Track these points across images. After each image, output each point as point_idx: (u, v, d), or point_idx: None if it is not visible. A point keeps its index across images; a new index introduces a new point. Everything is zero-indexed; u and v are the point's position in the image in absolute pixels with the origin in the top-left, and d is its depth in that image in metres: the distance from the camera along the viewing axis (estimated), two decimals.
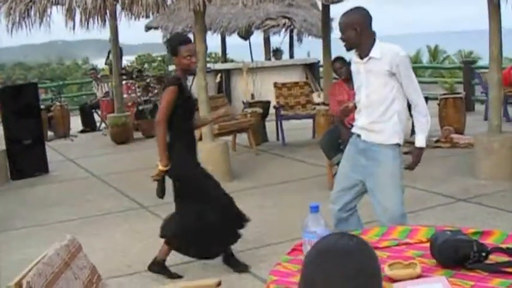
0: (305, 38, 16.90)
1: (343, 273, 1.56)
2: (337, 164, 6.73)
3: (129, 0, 7.92)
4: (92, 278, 3.02)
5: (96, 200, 8.20)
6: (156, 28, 16.93)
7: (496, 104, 7.86)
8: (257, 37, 17.47)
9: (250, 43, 17.93)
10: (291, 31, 16.91)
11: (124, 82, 14.06)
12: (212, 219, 5.10)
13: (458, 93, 12.30)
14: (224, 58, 19.06)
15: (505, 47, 7.92)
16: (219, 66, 16.64)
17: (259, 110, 11.36)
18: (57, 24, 9.12)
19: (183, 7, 8.40)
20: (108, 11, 8.28)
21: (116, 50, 12.78)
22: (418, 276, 2.65)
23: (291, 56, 18.23)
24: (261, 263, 5.35)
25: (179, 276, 5.23)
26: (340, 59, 7.92)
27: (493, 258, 2.75)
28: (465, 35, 73.13)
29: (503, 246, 2.85)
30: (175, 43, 5.08)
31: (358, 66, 4.49)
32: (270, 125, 11.70)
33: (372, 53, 4.31)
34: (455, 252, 2.71)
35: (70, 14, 8.30)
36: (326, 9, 11.51)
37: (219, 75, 15.63)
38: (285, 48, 18.23)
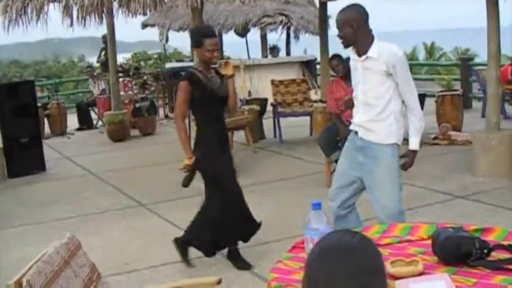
0: (302, 35, 16.91)
1: (347, 270, 1.55)
2: (335, 161, 6.74)
3: None
4: (91, 276, 3.01)
5: (94, 198, 8.18)
6: (152, 25, 16.92)
7: (494, 101, 7.86)
8: (254, 34, 17.47)
9: (247, 40, 17.92)
10: (288, 28, 16.91)
11: (121, 80, 14.04)
12: (215, 215, 5.16)
13: (456, 90, 12.29)
14: (221, 55, 19.01)
15: (502, 45, 7.91)
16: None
17: (256, 107, 11.35)
18: (53, 22, 9.11)
19: (181, 4, 8.36)
20: (105, 8, 8.26)
21: (113, 47, 12.75)
22: (420, 274, 2.64)
23: (288, 53, 18.22)
24: (259, 260, 5.35)
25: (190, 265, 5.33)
26: (337, 56, 7.91)
27: (495, 255, 2.74)
28: (461, 32, 73.22)
29: (505, 243, 2.84)
30: (200, 35, 5.03)
31: (355, 63, 4.48)
32: (267, 123, 11.69)
33: (370, 53, 4.31)
34: (457, 249, 2.70)
35: (67, 11, 8.28)
36: (323, 6, 11.49)
37: None
38: (282, 45, 18.22)
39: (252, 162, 9.57)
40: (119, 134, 12.64)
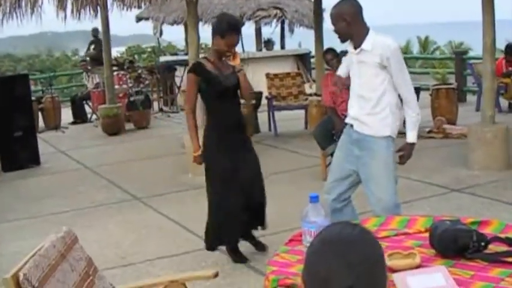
0: (296, 29, 16.87)
1: (348, 262, 1.55)
2: (331, 154, 6.73)
3: None
4: (88, 269, 3.00)
5: (89, 192, 8.16)
6: (146, 19, 16.87)
7: (489, 95, 7.87)
8: (248, 28, 17.41)
9: (241, 34, 17.87)
10: (283, 22, 16.87)
11: (115, 73, 14.00)
12: (213, 208, 5.15)
13: (450, 84, 12.30)
14: None
15: (496, 38, 7.91)
16: None
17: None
18: (47, 15, 9.07)
19: None
20: (99, 1, 8.23)
21: (107, 41, 12.70)
22: (418, 266, 2.65)
23: (282, 46, 18.18)
24: (256, 254, 5.35)
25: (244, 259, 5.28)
26: (331, 50, 7.90)
27: (492, 247, 2.75)
28: (454, 26, 73.27)
29: (502, 235, 2.85)
30: (227, 28, 4.96)
31: (351, 56, 4.48)
32: (262, 116, 11.68)
33: (364, 45, 4.30)
34: (454, 242, 2.71)
35: (61, 4, 8.24)
36: None
37: None
38: (277, 39, 18.19)
39: None
40: (113, 128, 12.61)
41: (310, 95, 11.44)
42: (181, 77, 15.07)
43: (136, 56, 21.84)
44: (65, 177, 9.28)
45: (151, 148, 10.88)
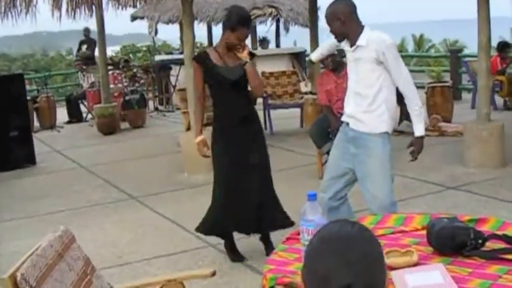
0: (292, 27, 16.90)
1: (347, 260, 1.55)
2: (327, 152, 6.73)
3: None
4: (86, 269, 3.00)
5: (85, 191, 8.15)
6: (141, 18, 16.86)
7: (484, 93, 7.88)
8: None
9: (251, 26, 17.87)
10: (278, 20, 16.90)
11: (110, 72, 13.97)
12: (216, 197, 5.17)
13: (446, 81, 12.33)
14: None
15: (492, 36, 7.92)
16: None
17: None
18: (42, 15, 9.06)
19: None
20: (95, 1, 8.21)
21: (102, 40, 12.68)
22: (415, 264, 2.65)
23: (278, 45, 18.19)
24: (252, 252, 5.34)
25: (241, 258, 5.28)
26: None
27: (490, 245, 2.75)
28: (449, 24, 73.36)
29: (499, 233, 2.86)
30: (238, 22, 4.90)
31: (348, 54, 4.49)
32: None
33: (359, 41, 4.32)
34: (452, 240, 2.71)
35: (56, 3, 8.23)
36: None
37: None
38: (272, 37, 18.19)
39: None
40: (108, 127, 12.59)
41: (306, 93, 11.43)
42: (177, 76, 15.05)
43: (131, 55, 21.79)
44: (61, 176, 9.27)
45: (147, 147, 10.86)
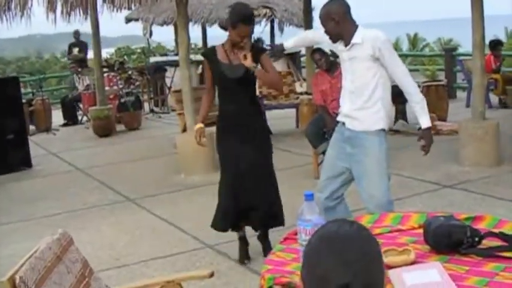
0: (286, 28, 16.86)
1: (345, 259, 1.56)
2: (323, 153, 6.74)
3: None
4: (84, 271, 3.00)
5: (81, 194, 8.15)
6: (136, 20, 16.84)
7: (479, 91, 7.90)
8: None
9: (253, 24, 17.83)
10: (272, 21, 16.88)
11: (105, 75, 13.97)
12: (221, 191, 5.18)
13: (440, 80, 12.36)
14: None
15: (486, 35, 7.95)
16: (200, 57, 16.55)
17: None
18: (36, 17, 9.05)
19: None
20: (89, 3, 8.21)
21: (97, 43, 12.66)
22: (413, 263, 2.67)
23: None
24: (250, 253, 5.34)
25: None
26: (318, 50, 7.90)
27: (486, 243, 2.77)
28: (443, 23, 73.48)
29: (496, 230, 2.87)
30: (238, 19, 4.92)
31: (342, 53, 4.49)
32: None
33: (354, 39, 4.32)
34: (448, 238, 2.73)
35: (51, 6, 8.23)
36: None
37: (201, 66, 15.56)
38: (266, 38, 18.17)
39: None
40: (104, 129, 12.59)
41: (301, 93, 11.44)
42: (172, 78, 15.05)
43: (126, 57, 21.77)
44: (57, 179, 9.26)
45: (143, 149, 10.86)
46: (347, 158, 4.51)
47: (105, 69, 14.09)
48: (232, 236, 5.40)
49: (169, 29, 16.90)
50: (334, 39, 4.46)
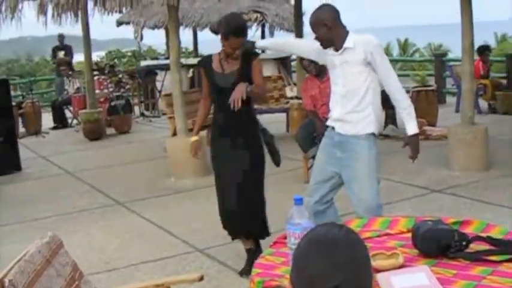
0: (277, 32, 16.88)
1: (333, 262, 1.58)
2: (313, 157, 6.75)
3: None
4: (74, 274, 3.00)
5: (71, 197, 8.14)
6: (127, 23, 16.83)
7: (468, 96, 7.94)
8: None
9: (246, 35, 17.85)
10: (263, 25, 16.91)
11: (96, 78, 13.95)
12: (219, 201, 5.16)
13: (430, 85, 12.41)
14: (196, 53, 18.99)
15: (475, 41, 8.00)
16: (191, 61, 16.57)
17: None
18: (27, 19, 9.04)
19: (156, 1, 8.37)
20: (80, 6, 8.21)
21: (88, 46, 12.64)
22: (401, 266, 2.68)
23: (263, 50, 18.18)
24: (238, 257, 5.35)
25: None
26: None
27: (474, 247, 2.79)
28: (433, 28, 73.75)
29: (483, 235, 2.89)
30: (229, 31, 4.89)
31: (333, 58, 4.49)
32: None
33: (346, 44, 4.33)
34: (437, 242, 2.75)
35: (42, 8, 8.22)
36: (298, 3, 11.54)
37: (191, 70, 15.58)
38: None
39: None
40: (94, 133, 12.57)
41: (292, 98, 11.47)
42: (162, 81, 15.05)
43: (116, 61, 21.77)
44: (47, 182, 9.24)
45: (133, 153, 10.86)
46: (337, 162, 4.52)
47: (95, 73, 14.08)
48: (221, 240, 5.41)
49: (160, 33, 16.91)
50: (325, 45, 4.46)
